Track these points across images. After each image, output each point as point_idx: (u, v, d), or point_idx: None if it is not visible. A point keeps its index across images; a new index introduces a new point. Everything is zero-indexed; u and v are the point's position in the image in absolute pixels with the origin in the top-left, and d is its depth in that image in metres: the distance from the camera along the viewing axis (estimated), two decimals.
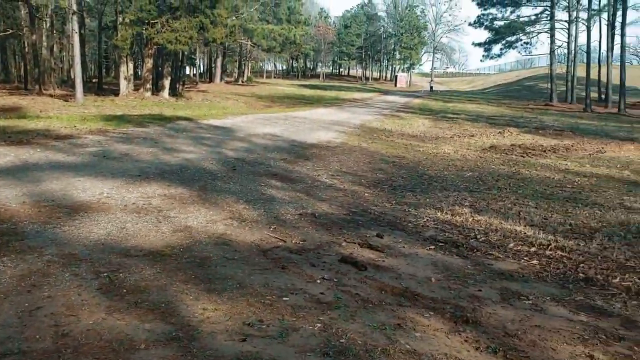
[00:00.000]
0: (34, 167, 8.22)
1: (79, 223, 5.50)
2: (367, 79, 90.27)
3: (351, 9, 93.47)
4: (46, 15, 31.64)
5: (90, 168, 8.39)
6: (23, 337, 3.19)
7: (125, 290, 3.92)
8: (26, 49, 31.52)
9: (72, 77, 28.49)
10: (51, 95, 25.88)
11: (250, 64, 68.10)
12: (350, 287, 4.39)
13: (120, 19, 28.10)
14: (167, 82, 30.70)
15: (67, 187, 7.04)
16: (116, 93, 29.19)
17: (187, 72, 56.50)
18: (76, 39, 24.34)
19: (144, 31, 26.92)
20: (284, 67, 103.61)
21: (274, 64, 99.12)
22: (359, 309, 3.94)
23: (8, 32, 32.10)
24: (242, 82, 58.01)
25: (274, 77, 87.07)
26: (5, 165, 8.20)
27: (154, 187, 7.40)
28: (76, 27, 24.54)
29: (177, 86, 33.21)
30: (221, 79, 53.82)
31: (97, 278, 4.11)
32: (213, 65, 56.28)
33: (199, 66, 68.25)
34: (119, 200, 6.57)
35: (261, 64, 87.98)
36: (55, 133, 12.06)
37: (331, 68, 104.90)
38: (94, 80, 39.68)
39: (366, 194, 8.28)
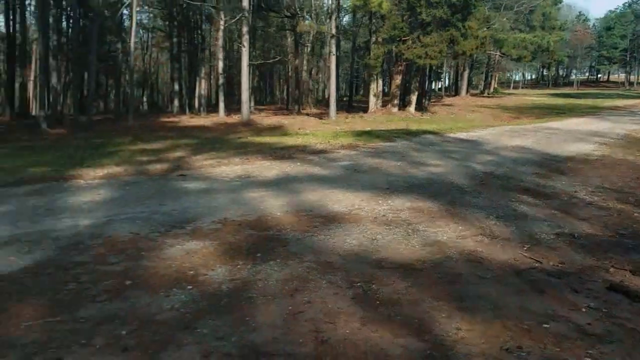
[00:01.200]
0: (294, 179, 9.00)
1: (333, 233, 5.77)
2: (631, 84, 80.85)
3: (615, 9, 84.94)
4: (308, 41, 34.86)
5: (342, 181, 8.85)
6: (287, 339, 3.40)
7: (378, 302, 3.96)
8: (289, 73, 35.22)
9: (326, 96, 30.74)
10: (307, 114, 28.26)
11: (497, 75, 66.02)
12: (623, 319, 3.82)
13: (373, 39, 29.46)
14: (414, 97, 31.29)
15: (322, 198, 7.51)
16: (364, 110, 30.64)
17: (433, 86, 57.04)
18: (333, 60, 26.22)
19: (394, 48, 27.82)
20: (533, 77, 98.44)
21: (522, 73, 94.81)
22: (637, 346, 3.40)
23: (277, 59, 36.36)
24: (488, 93, 56.52)
25: (522, 88, 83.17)
26: (272, 178, 9.14)
27: (402, 200, 7.48)
28: (334, 49, 26.44)
29: (423, 101, 33.62)
30: (466, 91, 53.13)
31: (351, 287, 4.23)
32: (459, 78, 55.91)
33: (444, 80, 68.50)
34: (369, 212, 6.76)
35: (508, 75, 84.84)
36: (311, 148, 13.09)
37: (587, 74, 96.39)
38: (344, 99, 42.31)
39: (636, 214, 7.26)
